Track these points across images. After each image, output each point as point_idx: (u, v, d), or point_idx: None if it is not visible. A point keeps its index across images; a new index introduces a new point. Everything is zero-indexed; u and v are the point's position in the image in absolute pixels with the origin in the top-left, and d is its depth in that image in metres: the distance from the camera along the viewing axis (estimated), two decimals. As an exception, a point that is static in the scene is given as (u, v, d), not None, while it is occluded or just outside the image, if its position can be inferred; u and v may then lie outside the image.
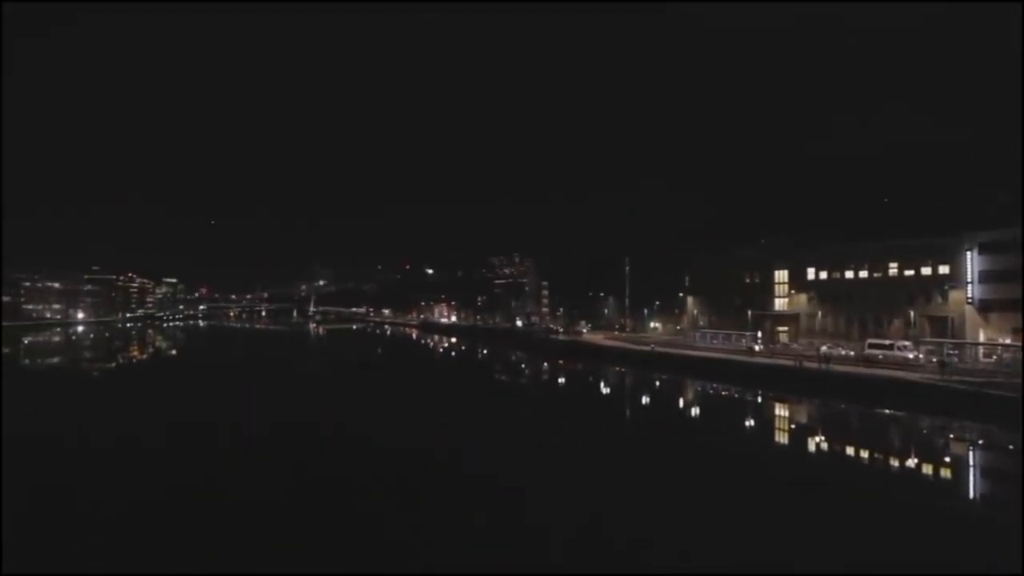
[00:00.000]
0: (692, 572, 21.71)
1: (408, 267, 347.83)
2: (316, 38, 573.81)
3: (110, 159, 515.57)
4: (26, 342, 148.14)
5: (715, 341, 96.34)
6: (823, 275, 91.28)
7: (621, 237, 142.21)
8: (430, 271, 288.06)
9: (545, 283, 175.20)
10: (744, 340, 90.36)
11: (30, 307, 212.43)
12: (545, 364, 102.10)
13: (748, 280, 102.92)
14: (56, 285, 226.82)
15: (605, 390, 74.38)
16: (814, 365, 66.81)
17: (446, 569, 21.65)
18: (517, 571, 21.36)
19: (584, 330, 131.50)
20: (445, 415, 53.36)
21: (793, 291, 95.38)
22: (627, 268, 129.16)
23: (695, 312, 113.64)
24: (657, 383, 75.70)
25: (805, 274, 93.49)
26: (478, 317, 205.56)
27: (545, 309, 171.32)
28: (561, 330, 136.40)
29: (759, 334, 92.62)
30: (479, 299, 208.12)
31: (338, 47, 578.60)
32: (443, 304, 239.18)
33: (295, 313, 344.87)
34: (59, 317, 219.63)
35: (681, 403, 64.47)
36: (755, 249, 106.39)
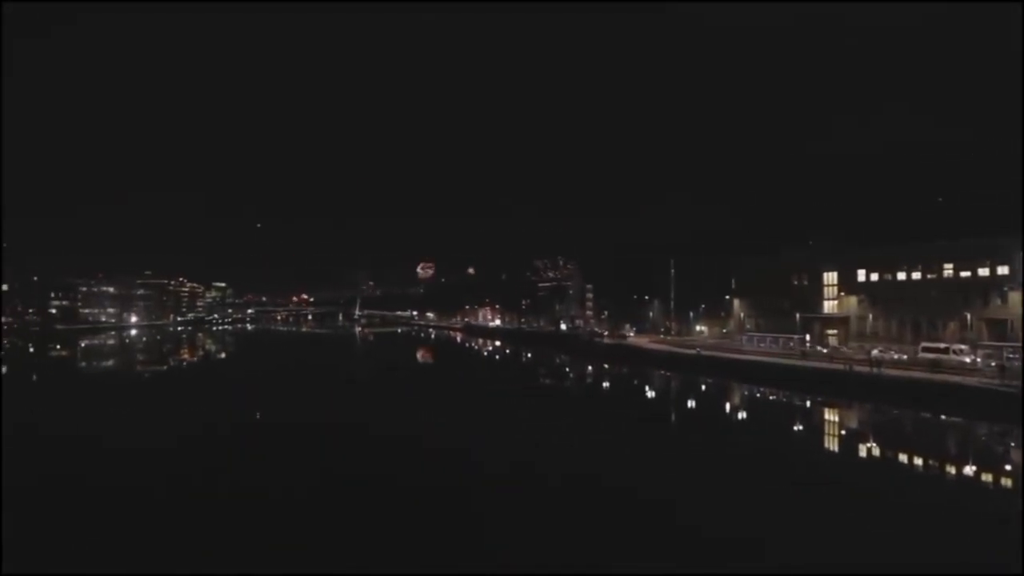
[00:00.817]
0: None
1: (452, 270, 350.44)
2: (351, 41, 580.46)
3: (160, 163, 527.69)
4: (83, 345, 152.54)
5: (762, 344, 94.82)
6: (874, 277, 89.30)
7: (666, 240, 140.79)
8: (473, 272, 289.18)
9: (589, 286, 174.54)
10: (792, 343, 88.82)
11: (87, 311, 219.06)
12: (590, 367, 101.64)
13: (796, 282, 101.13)
14: (111, 290, 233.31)
15: (651, 393, 73.80)
16: (865, 369, 65.31)
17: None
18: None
19: (629, 333, 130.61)
20: (494, 419, 53.35)
21: (843, 293, 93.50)
22: (672, 271, 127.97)
23: (741, 315, 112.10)
24: (703, 387, 74.81)
25: (855, 276, 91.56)
26: (522, 320, 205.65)
27: (589, 312, 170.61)
28: (606, 333, 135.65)
29: (808, 337, 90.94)
30: (523, 302, 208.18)
31: (374, 50, 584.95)
32: (487, 307, 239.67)
33: (341, 317, 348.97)
34: (113, 320, 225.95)
35: (728, 407, 63.59)
36: (802, 250, 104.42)
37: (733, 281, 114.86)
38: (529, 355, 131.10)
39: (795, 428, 51.39)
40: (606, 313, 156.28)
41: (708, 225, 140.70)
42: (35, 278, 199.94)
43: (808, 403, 62.16)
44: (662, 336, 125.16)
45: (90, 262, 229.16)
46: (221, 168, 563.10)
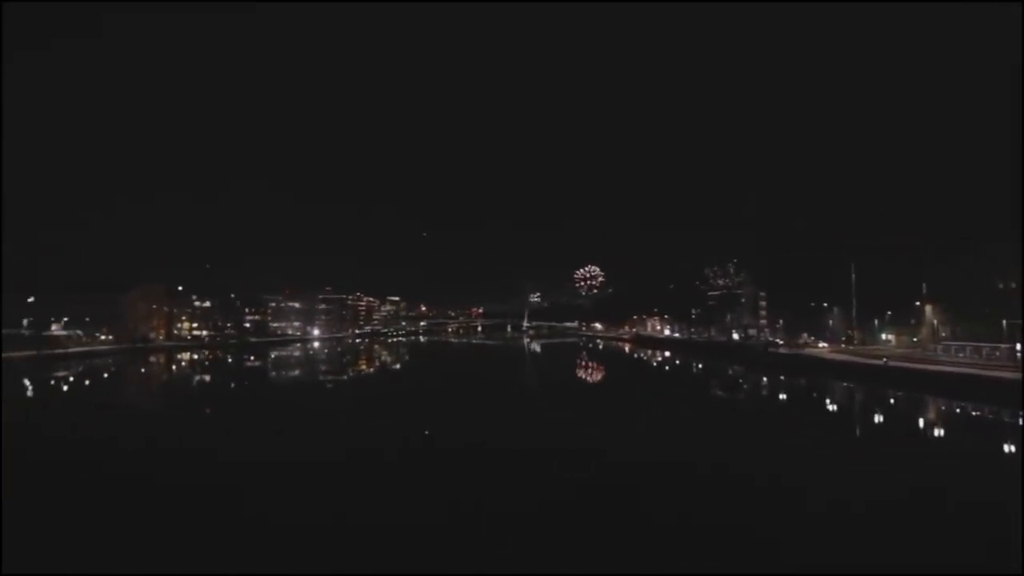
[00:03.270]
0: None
1: (619, 282, 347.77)
2: (517, 49, 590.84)
3: (338, 181, 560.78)
4: (272, 356, 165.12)
5: (961, 354, 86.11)
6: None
7: (845, 241, 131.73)
8: (640, 282, 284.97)
9: (762, 293, 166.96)
10: (998, 352, 79.89)
11: (275, 324, 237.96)
12: (764, 379, 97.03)
13: (1002, 285, 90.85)
14: (296, 305, 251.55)
15: (832, 407, 69.09)
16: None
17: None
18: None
19: (807, 342, 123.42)
20: (672, 433, 51.53)
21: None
22: (853, 276, 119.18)
23: (935, 322, 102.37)
24: (893, 400, 68.99)
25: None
26: (692, 330, 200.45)
27: (763, 321, 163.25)
28: (781, 342, 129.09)
29: (1019, 347, 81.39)
30: (693, 311, 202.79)
31: (544, 57, 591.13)
32: (655, 317, 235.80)
33: (509, 328, 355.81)
34: (298, 333, 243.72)
35: (922, 423, 58.05)
36: (1007, 247, 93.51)
37: (924, 285, 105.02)
38: (699, 366, 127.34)
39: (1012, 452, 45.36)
40: (781, 322, 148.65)
41: (894, 225, 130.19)
42: (232, 295, 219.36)
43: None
44: (843, 345, 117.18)
45: (278, 280, 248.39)
46: (391, 183, 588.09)
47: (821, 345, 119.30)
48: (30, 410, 71.29)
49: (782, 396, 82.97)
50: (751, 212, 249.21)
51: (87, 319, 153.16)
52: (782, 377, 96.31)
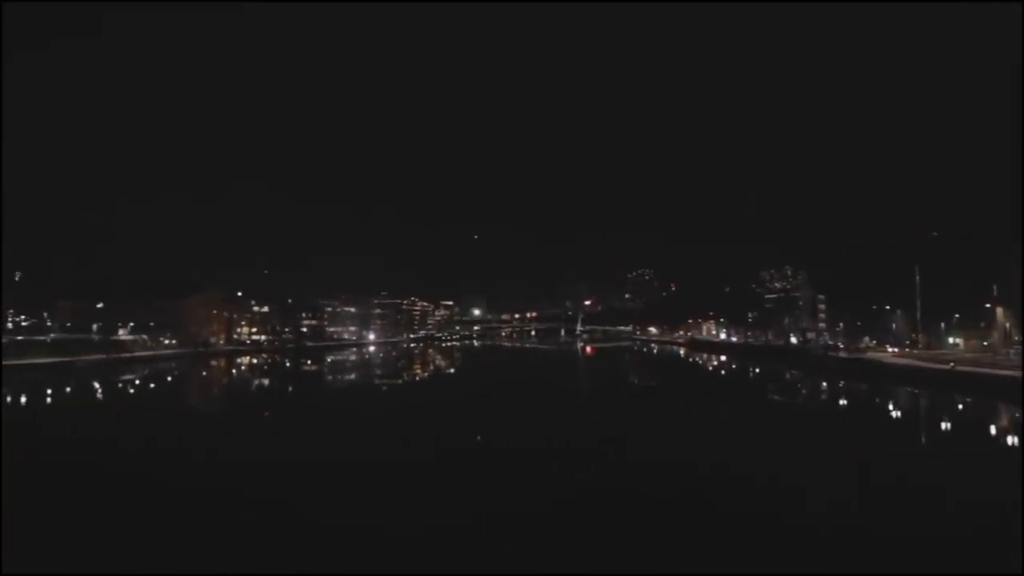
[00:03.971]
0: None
1: (673, 284, 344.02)
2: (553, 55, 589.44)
3: (386, 186, 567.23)
4: (329, 360, 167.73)
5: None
6: None
7: (909, 242, 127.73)
8: (696, 286, 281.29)
9: (821, 296, 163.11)
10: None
11: (331, 329, 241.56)
12: (824, 384, 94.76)
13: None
14: (352, 310, 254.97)
15: (896, 413, 67.00)
16: None
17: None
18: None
19: (868, 346, 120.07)
20: (735, 441, 50.39)
21: None
22: (917, 277, 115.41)
23: (1007, 325, 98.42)
24: (961, 407, 66.56)
25: None
26: (748, 334, 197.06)
27: (822, 324, 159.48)
28: (841, 346, 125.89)
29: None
30: (749, 315, 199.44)
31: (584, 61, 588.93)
32: (710, 320, 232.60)
33: (563, 332, 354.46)
34: (355, 338, 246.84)
35: (993, 431, 55.78)
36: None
37: (995, 287, 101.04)
38: (756, 370, 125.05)
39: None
40: (841, 325, 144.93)
41: (961, 225, 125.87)
42: (289, 300, 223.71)
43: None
44: (907, 349, 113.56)
45: (334, 285, 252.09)
46: (439, 185, 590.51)
47: (890, 349, 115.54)
48: (97, 411, 74.33)
49: (843, 402, 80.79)
50: (807, 212, 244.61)
51: (151, 324, 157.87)
52: (842, 382, 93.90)
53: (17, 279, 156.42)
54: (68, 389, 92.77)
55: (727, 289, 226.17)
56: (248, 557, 24.34)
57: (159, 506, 31.36)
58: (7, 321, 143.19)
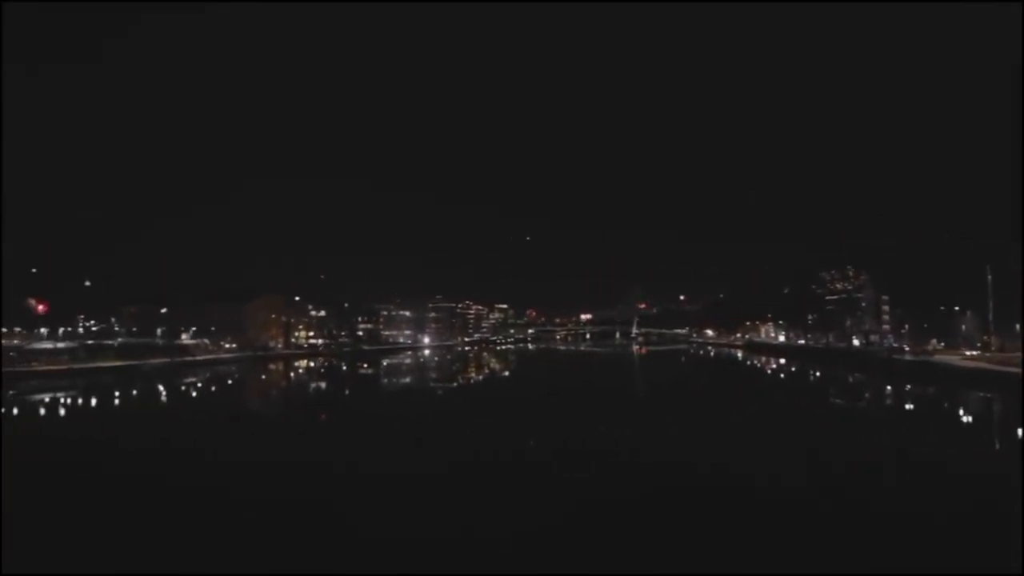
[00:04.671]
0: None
1: (728, 286, 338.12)
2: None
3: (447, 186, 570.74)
4: (384, 363, 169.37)
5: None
6: None
7: (980, 241, 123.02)
8: (752, 288, 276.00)
9: (885, 297, 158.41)
10: None
11: (386, 332, 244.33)
12: (888, 387, 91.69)
13: None
14: (407, 313, 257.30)
15: (967, 418, 64.27)
16: None
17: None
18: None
19: (935, 348, 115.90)
20: (800, 448, 48.94)
21: None
22: (989, 277, 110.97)
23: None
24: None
25: None
26: (808, 336, 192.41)
27: (886, 326, 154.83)
28: (907, 348, 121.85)
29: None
30: (809, 317, 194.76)
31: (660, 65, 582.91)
32: (768, 322, 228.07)
33: (617, 335, 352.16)
34: (409, 341, 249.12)
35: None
36: None
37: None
38: (817, 374, 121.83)
39: None
40: (906, 327, 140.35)
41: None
42: (345, 304, 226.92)
43: None
44: (978, 352, 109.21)
45: (389, 289, 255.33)
46: (492, 186, 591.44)
47: (966, 352, 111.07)
48: (163, 413, 77.17)
49: (912, 407, 77.94)
50: (871, 212, 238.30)
51: (212, 328, 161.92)
52: (910, 386, 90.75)
53: (87, 285, 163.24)
54: (134, 392, 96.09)
55: (785, 291, 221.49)
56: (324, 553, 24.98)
57: (217, 503, 32.47)
58: (79, 325, 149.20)
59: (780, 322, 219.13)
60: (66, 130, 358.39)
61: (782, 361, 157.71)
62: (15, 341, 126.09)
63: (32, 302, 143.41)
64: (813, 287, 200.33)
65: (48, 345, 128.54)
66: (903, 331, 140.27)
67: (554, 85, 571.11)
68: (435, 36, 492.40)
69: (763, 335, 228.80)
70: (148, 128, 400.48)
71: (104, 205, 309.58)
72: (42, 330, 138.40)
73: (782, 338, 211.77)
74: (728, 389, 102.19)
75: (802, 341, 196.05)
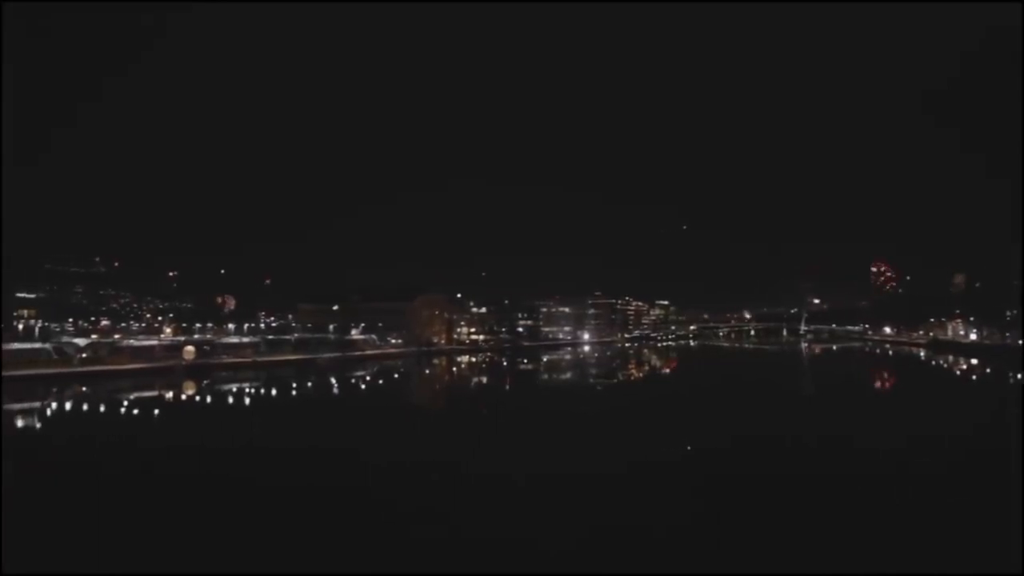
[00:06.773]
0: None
1: (913, 280, 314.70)
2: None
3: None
4: (544, 359, 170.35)
5: None
6: None
7: None
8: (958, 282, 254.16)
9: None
10: None
11: (546, 329, 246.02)
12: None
13: None
14: (566, 310, 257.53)
15: None
16: None
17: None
18: None
19: None
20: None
21: None
22: None
23: None
24: None
25: None
26: (1006, 334, 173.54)
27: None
28: None
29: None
30: (1007, 313, 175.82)
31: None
32: (957, 319, 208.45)
33: (784, 332, 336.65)
34: (569, 338, 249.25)
35: None
36: None
37: None
38: (1019, 376, 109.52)
39: None
40: None
41: None
42: (506, 301, 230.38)
43: None
44: None
45: (549, 285, 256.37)
46: (653, 183, 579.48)
47: None
48: (338, 404, 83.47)
49: None
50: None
51: (380, 324, 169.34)
52: None
53: (268, 283, 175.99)
54: (310, 383, 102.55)
55: (977, 285, 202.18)
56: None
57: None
58: (261, 321, 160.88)
59: (971, 318, 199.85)
60: (259, 140, 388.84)
61: (973, 361, 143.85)
62: (208, 336, 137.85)
63: (220, 300, 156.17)
64: (1013, 281, 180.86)
65: (235, 340, 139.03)
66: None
67: (726, 94, 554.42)
68: (602, 40, 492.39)
69: (950, 333, 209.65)
70: (329, 135, 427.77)
71: (282, 209, 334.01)
72: (229, 325, 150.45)
73: (972, 336, 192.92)
74: (918, 395, 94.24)
75: (976, 338, 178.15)
